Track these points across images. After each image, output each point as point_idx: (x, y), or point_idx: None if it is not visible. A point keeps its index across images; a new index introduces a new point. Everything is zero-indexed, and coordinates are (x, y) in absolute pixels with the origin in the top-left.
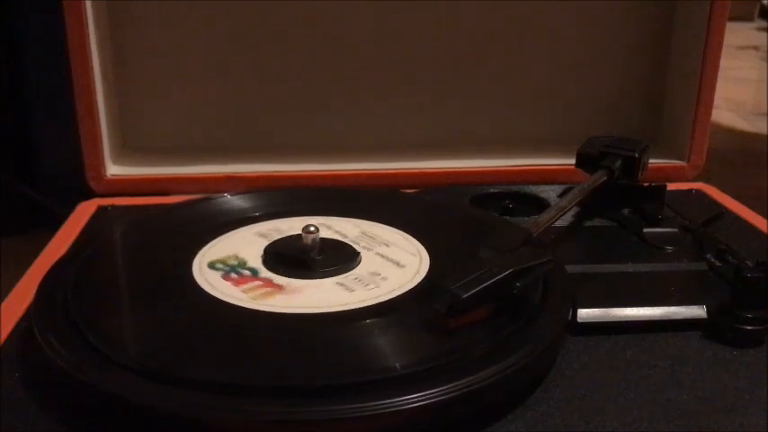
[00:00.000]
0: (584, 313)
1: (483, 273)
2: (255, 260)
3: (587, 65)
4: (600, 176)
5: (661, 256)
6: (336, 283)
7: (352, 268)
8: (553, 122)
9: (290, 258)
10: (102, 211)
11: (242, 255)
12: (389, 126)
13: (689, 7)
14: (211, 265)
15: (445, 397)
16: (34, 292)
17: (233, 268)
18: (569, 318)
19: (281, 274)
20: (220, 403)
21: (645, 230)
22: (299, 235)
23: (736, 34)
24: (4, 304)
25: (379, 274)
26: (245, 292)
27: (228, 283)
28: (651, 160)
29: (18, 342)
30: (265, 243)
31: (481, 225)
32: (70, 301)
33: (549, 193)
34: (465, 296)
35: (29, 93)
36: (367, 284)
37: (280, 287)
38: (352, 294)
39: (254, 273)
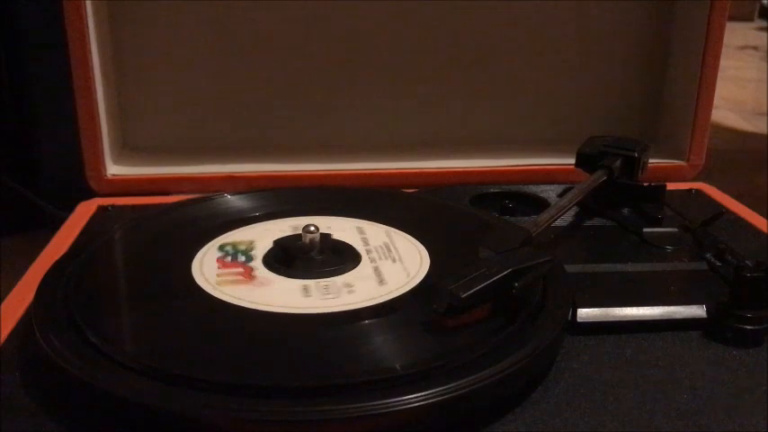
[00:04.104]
0: (584, 313)
1: (482, 272)
2: (263, 250)
3: (587, 65)
4: (600, 176)
5: (661, 256)
6: (303, 286)
7: (334, 275)
8: (553, 122)
9: (285, 253)
10: (102, 211)
11: (258, 242)
12: (389, 126)
13: (689, 7)
14: (221, 247)
15: (445, 397)
16: (34, 292)
17: (236, 253)
18: (569, 318)
19: (267, 267)
20: (219, 402)
21: (645, 230)
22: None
23: (736, 34)
24: (4, 304)
25: (351, 286)
26: (218, 275)
27: (216, 266)
28: (651, 160)
29: (18, 342)
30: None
31: (481, 225)
32: (70, 300)
33: (549, 193)
34: (464, 296)
35: (29, 93)
36: (327, 294)
37: (253, 278)
38: (306, 300)
39: (249, 260)
